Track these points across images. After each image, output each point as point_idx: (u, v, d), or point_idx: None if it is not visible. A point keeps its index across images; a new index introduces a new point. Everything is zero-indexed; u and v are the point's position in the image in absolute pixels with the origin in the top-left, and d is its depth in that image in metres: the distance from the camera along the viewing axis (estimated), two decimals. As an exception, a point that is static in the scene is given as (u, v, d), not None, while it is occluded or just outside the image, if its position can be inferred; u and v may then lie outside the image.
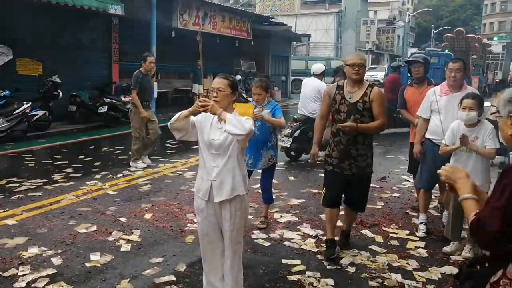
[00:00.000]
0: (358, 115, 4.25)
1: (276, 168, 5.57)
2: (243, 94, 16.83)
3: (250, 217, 5.52)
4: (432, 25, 58.77)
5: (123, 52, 14.82)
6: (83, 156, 8.79)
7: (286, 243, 4.79)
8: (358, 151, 4.32)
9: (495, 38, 49.37)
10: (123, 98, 13.08)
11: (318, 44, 40.28)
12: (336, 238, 4.63)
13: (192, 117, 3.35)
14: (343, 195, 4.53)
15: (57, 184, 6.77)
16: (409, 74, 6.08)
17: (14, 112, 10.08)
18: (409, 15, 58.57)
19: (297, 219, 5.54)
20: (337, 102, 4.35)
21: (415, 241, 4.84)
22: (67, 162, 8.23)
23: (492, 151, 4.29)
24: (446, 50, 27.29)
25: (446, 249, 4.56)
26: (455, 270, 4.10)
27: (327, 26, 41.36)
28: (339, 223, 5.04)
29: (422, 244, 4.79)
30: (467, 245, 4.55)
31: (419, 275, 4.07)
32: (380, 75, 30.45)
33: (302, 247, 4.69)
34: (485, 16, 69.23)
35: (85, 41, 13.47)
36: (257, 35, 21.00)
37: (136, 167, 7.81)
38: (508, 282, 1.89)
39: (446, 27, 50.61)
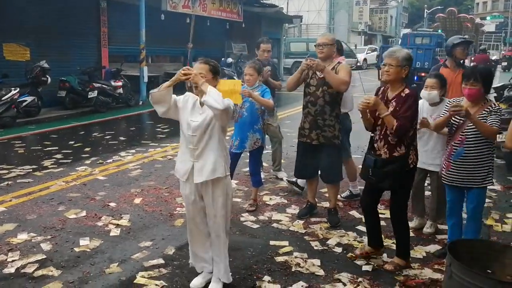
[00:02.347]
0: (325, 87, 4.60)
1: (265, 151, 5.62)
2: (234, 77, 16.76)
3: (239, 200, 5.57)
4: (425, 5, 58.48)
5: (112, 36, 14.70)
6: (73, 142, 8.78)
7: (275, 225, 4.84)
8: (325, 121, 4.65)
9: (488, 18, 49.26)
10: (113, 83, 13.04)
11: (310, 26, 40.03)
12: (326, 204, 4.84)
13: (175, 96, 3.39)
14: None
15: (47, 170, 6.78)
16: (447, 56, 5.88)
17: (2, 99, 10.03)
18: (402, -5, 58.24)
19: (286, 201, 5.60)
20: (309, 77, 4.68)
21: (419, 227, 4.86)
22: (56, 148, 8.22)
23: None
24: (439, 30, 27.27)
25: (411, 224, 4.60)
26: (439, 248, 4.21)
27: (320, 7, 41.08)
28: (326, 204, 5.13)
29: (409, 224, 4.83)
30: (428, 221, 4.68)
31: (404, 254, 4.12)
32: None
33: (290, 228, 4.75)
34: (479, -5, 68.94)
35: (73, 25, 13.31)
36: (248, 17, 20.85)
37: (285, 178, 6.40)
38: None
39: (439, 7, 50.40)
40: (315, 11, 40.84)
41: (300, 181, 5.79)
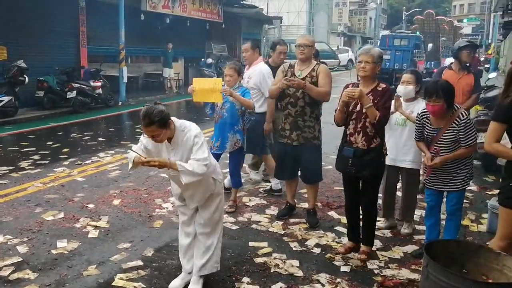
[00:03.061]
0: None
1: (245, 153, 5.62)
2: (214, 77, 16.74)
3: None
4: (404, 7, 59.26)
5: (91, 36, 14.54)
6: (51, 143, 8.65)
7: (254, 226, 4.86)
8: (306, 122, 4.69)
9: (464, 20, 50.10)
10: (92, 83, 12.89)
11: (290, 27, 40.14)
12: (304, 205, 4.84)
13: (142, 140, 3.34)
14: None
15: (24, 172, 6.67)
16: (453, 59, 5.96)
17: (-22, 99, 9.83)
18: (381, -3, 58.84)
19: (265, 202, 5.61)
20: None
21: (379, 221, 4.95)
22: (34, 149, 8.09)
23: None
24: (417, 32, 27.66)
25: (381, 225, 4.77)
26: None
27: (299, 9, 41.21)
28: (305, 205, 5.17)
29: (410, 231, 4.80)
30: (404, 223, 4.77)
31: (382, 255, 4.19)
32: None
33: (269, 229, 4.76)
34: (455, -3, 70.10)
35: (52, 24, 13.11)
36: (228, 18, 20.84)
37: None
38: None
39: (417, 9, 51.07)
40: (295, 12, 40.95)
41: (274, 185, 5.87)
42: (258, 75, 5.59)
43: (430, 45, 24.00)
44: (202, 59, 19.72)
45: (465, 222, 5.03)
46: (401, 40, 22.24)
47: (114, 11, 13.90)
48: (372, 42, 42.57)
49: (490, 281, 2.70)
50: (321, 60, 6.28)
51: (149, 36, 16.92)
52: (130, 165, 3.27)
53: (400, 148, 4.50)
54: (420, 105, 4.36)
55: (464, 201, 5.53)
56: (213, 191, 3.47)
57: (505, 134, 3.06)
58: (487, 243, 3.57)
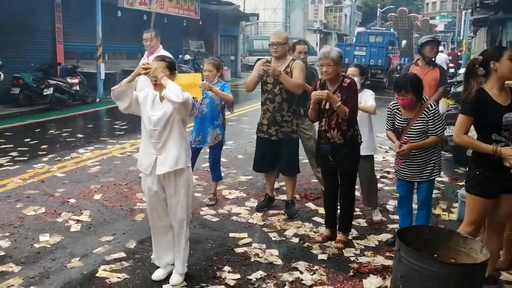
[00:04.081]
0: (282, 84, 4.73)
1: (225, 147, 5.73)
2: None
3: (199, 194, 5.67)
4: (378, 4, 59.92)
5: (67, 33, 14.41)
6: (28, 140, 8.60)
7: (234, 218, 4.98)
8: (283, 117, 4.84)
9: (437, 17, 50.99)
10: (69, 80, 12.80)
11: (267, 23, 40.28)
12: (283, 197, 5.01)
13: (135, 92, 3.48)
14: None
15: (2, 168, 6.65)
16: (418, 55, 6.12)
17: (-48, 95, 9.68)
18: (356, -6, 59.39)
19: (245, 195, 5.74)
20: (266, 75, 4.78)
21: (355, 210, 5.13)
22: (11, 146, 8.04)
23: (371, 108, 4.68)
24: (391, 29, 28.16)
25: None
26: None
27: (276, 6, 41.37)
28: (284, 197, 5.31)
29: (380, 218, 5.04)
30: (372, 210, 5.00)
31: (358, 243, 4.36)
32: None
33: (249, 221, 4.89)
34: (428, -5, 71.25)
35: (27, 21, 12.94)
36: (205, 15, 20.82)
37: None
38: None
39: (391, 6, 51.75)
40: (272, 9, 41.10)
41: None
42: None
43: (404, 42, 24.52)
44: (180, 56, 19.66)
45: (436, 211, 5.26)
46: (376, 37, 22.69)
47: (90, 8, 13.82)
48: (348, 39, 43.02)
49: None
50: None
51: (126, 32, 16.81)
52: (118, 84, 3.43)
53: None
54: (366, 95, 4.72)
55: (436, 191, 5.84)
56: (182, 166, 3.47)
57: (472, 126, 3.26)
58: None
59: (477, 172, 3.25)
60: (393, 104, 4.10)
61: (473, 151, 3.28)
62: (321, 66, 4.04)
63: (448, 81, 11.82)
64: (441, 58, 22.46)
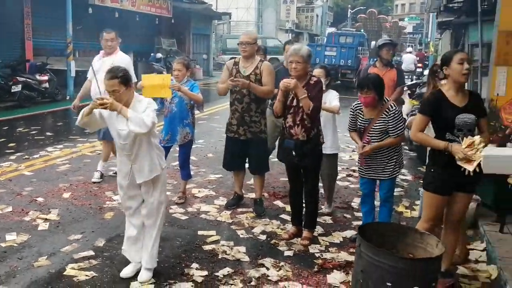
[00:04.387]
0: None
1: (195, 146, 5.78)
2: (164, 72, 16.67)
3: (168, 193, 5.66)
4: (349, 5, 60.62)
5: (37, 29, 14.15)
6: (-5, 137, 8.45)
7: (203, 216, 5.04)
8: (252, 118, 4.94)
9: (406, 19, 51.99)
10: (38, 77, 12.56)
11: (239, 23, 40.30)
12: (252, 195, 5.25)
13: (98, 111, 3.44)
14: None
15: (-33, 167, 6.53)
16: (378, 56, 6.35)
17: None
18: (327, -6, 59.92)
19: (214, 193, 5.81)
20: (233, 75, 4.88)
21: (320, 209, 5.23)
22: (-23, 143, 7.89)
23: (335, 108, 4.86)
24: (361, 30, 28.63)
25: (327, 210, 5.22)
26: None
27: (248, 5, 41.42)
28: (253, 195, 5.40)
29: (330, 211, 5.25)
30: (326, 203, 5.22)
31: (323, 240, 4.49)
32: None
33: (217, 219, 4.96)
34: (397, -3, 72.56)
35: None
36: (178, 13, 20.75)
37: None
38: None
39: (362, 7, 52.43)
40: (244, 9, 41.13)
41: None
42: (124, 62, 5.80)
43: (373, 43, 24.90)
44: (152, 54, 19.58)
45: (399, 208, 5.45)
46: (346, 37, 23.10)
47: (60, 4, 13.57)
48: (319, 39, 43.39)
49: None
50: (267, 57, 6.48)
51: (97, 30, 16.45)
52: (79, 118, 3.41)
53: None
54: (331, 95, 4.87)
55: (400, 189, 6.04)
56: (159, 174, 3.58)
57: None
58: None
59: (432, 170, 3.44)
60: (355, 104, 4.24)
61: (429, 149, 3.46)
62: (291, 63, 4.15)
63: (415, 81, 12.17)
64: (409, 58, 23.09)
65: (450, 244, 3.54)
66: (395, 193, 5.83)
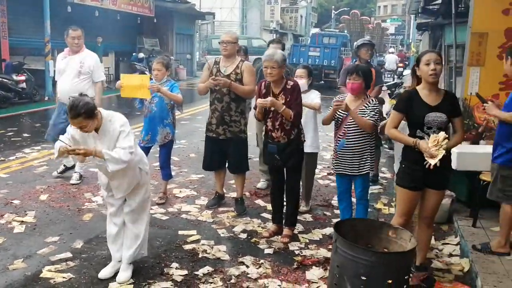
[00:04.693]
0: None
1: (177, 146, 5.73)
2: (146, 72, 16.55)
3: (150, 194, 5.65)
4: (333, 6, 61.00)
5: (13, 27, 13.86)
6: (-30, 139, 8.28)
7: (184, 216, 5.01)
8: (232, 117, 4.93)
9: (388, 20, 52.57)
10: (14, 77, 12.33)
11: (223, 23, 40.27)
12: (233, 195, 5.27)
13: (69, 130, 3.41)
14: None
15: None
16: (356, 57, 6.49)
17: None
18: (311, -5, 60.23)
19: (195, 193, 5.78)
20: (214, 74, 4.87)
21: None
22: (-49, 145, 7.73)
23: (316, 105, 4.90)
24: (345, 31, 28.91)
25: (304, 208, 5.22)
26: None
27: (232, 5, 41.42)
28: (234, 194, 5.39)
29: (308, 209, 5.27)
30: (304, 202, 5.23)
31: (303, 237, 4.51)
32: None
33: (198, 218, 4.94)
34: (380, -1, 73.32)
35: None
36: (160, 13, 20.64)
37: None
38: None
39: (345, 9, 52.82)
40: (228, 9, 41.12)
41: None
42: (92, 61, 5.95)
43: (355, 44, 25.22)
44: (134, 54, 19.44)
45: (378, 205, 5.53)
46: (330, 38, 23.35)
47: (38, 2, 13.33)
48: (303, 39, 43.59)
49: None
50: (248, 57, 6.47)
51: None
52: (56, 154, 3.34)
53: None
54: (313, 95, 4.93)
55: (379, 187, 6.11)
56: (140, 181, 3.59)
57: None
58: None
59: (403, 166, 3.53)
60: (339, 96, 4.35)
61: (403, 146, 3.53)
62: (265, 68, 4.15)
63: (396, 81, 12.33)
64: (392, 58, 23.47)
65: (424, 239, 3.63)
66: (374, 191, 5.97)
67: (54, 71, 13.86)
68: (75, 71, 5.82)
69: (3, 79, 12.02)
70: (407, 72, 12.35)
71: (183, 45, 24.98)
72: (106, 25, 17.43)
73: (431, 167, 3.24)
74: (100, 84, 6.09)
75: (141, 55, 19.07)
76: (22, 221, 4.71)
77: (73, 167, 6.15)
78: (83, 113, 3.16)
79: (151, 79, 5.12)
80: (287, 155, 4.24)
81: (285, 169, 4.41)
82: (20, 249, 4.11)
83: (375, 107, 4.13)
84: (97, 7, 16.29)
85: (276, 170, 4.46)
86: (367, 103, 4.15)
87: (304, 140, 4.42)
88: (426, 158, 3.27)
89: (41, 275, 3.66)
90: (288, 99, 4.13)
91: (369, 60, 6.28)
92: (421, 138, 3.37)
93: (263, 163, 5.21)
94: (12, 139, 8.52)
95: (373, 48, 6.38)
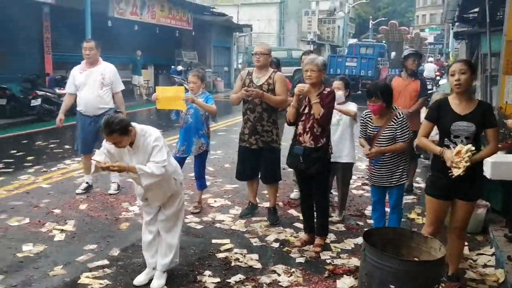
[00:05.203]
0: None
1: (213, 156, 5.81)
2: (185, 85, 16.84)
3: (184, 203, 5.74)
4: (370, 16, 60.49)
5: (56, 43, 14.40)
6: (15, 151, 8.59)
7: (218, 225, 5.07)
8: (264, 127, 4.97)
9: (426, 30, 51.69)
10: (57, 91, 12.71)
11: (261, 35, 40.61)
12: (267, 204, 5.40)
13: (105, 145, 3.54)
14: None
15: (-13, 180, 6.68)
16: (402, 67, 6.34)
17: None
18: (349, 6, 59.96)
19: (230, 203, 5.84)
20: (246, 85, 4.94)
21: (331, 216, 5.18)
22: (-2, 157, 8.06)
23: (352, 111, 4.95)
24: (383, 41, 28.69)
25: (337, 217, 5.23)
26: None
27: (270, 17, 41.74)
28: (267, 204, 5.40)
29: (340, 219, 5.24)
30: (337, 211, 5.24)
31: (335, 246, 4.49)
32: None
33: (232, 227, 4.99)
34: (418, 8, 72.21)
35: (14, 31, 12.93)
36: (198, 26, 21.05)
37: None
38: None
39: (383, 18, 52.30)
40: (266, 20, 41.46)
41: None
42: (111, 71, 6.14)
43: (393, 54, 25.03)
44: (172, 66, 19.82)
45: (412, 215, 5.46)
46: (367, 48, 23.22)
47: (80, 17, 13.78)
48: (341, 50, 43.39)
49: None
50: (281, 69, 6.48)
51: (117, 43, 16.90)
52: (93, 169, 3.51)
53: (335, 145, 4.85)
54: (350, 107, 4.95)
55: (413, 197, 6.04)
56: (174, 191, 3.68)
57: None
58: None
59: (431, 174, 3.55)
60: (365, 113, 4.31)
61: (432, 155, 3.51)
62: (306, 71, 4.22)
63: (433, 89, 12.09)
64: (430, 67, 23.17)
65: (455, 250, 3.59)
66: (408, 200, 5.89)
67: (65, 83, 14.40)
68: (97, 83, 5.99)
69: (47, 93, 12.41)
70: (443, 81, 12.10)
71: (221, 58, 25.32)
72: (146, 38, 17.87)
73: (453, 177, 3.22)
74: (120, 94, 6.26)
75: (180, 68, 19.40)
76: (62, 230, 4.87)
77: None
78: (118, 129, 3.29)
79: (186, 90, 5.23)
80: (311, 160, 4.23)
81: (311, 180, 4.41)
82: (60, 256, 4.26)
83: (403, 121, 4.11)
84: (136, 21, 16.75)
85: (302, 179, 4.48)
86: (394, 117, 4.14)
87: (332, 153, 4.42)
88: (451, 168, 3.24)
89: (79, 281, 3.78)
90: (321, 102, 4.16)
91: (415, 70, 6.16)
92: (448, 147, 3.35)
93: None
94: (54, 150, 8.84)
95: (420, 59, 6.28)
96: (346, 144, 4.97)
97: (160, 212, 3.77)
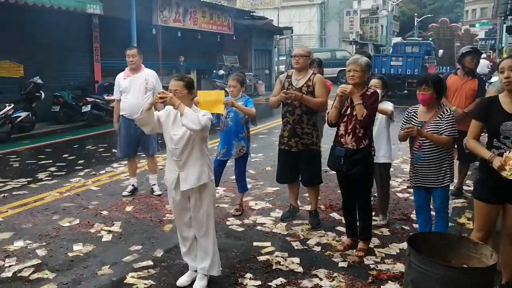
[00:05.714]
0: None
1: (254, 159, 5.84)
2: (226, 89, 17.01)
3: (226, 205, 5.82)
4: (416, 14, 59.17)
5: (104, 51, 14.92)
6: (67, 155, 8.98)
7: (259, 227, 5.09)
8: (303, 129, 4.94)
9: (477, 25, 49.86)
10: (106, 97, 13.23)
11: (302, 36, 40.49)
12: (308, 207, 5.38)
13: (156, 112, 3.66)
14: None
15: (41, 183, 7.00)
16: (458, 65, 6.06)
17: (-3, 114, 10.23)
18: (392, 3, 58.88)
19: (271, 205, 5.85)
20: (286, 88, 4.92)
21: (375, 220, 5.07)
22: (51, 161, 8.43)
23: (389, 109, 4.87)
24: (430, 39, 27.99)
25: (380, 221, 5.13)
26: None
27: (311, 18, 41.56)
28: (309, 207, 5.38)
29: (385, 222, 5.14)
30: (380, 215, 5.12)
31: (379, 251, 4.41)
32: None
33: (273, 230, 4.99)
34: (467, 3, 69.84)
35: (66, 41, 13.52)
36: (239, 30, 21.22)
37: None
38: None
39: (429, 15, 51.04)
40: (306, 22, 41.31)
41: None
42: (153, 77, 6.29)
43: (441, 51, 24.33)
44: (214, 71, 20.06)
45: (462, 220, 5.26)
46: (412, 47, 22.75)
47: (126, 27, 14.34)
48: (384, 49, 42.67)
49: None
50: (322, 70, 6.45)
51: (161, 49, 17.31)
52: (139, 113, 3.61)
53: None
54: (386, 105, 4.84)
55: (463, 200, 5.79)
56: (206, 181, 3.64)
57: None
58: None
59: (479, 177, 3.36)
60: (412, 107, 4.20)
61: (480, 158, 3.35)
62: (349, 71, 4.18)
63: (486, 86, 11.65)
64: (483, 63, 22.40)
65: (509, 256, 3.39)
66: (458, 204, 5.71)
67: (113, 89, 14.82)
68: (142, 88, 6.19)
69: (96, 99, 12.96)
70: (495, 79, 11.63)
71: (262, 61, 25.41)
72: (188, 44, 18.21)
73: (501, 178, 3.05)
74: None
75: (221, 72, 19.63)
76: (110, 231, 5.04)
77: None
78: (186, 81, 3.58)
79: (226, 94, 5.29)
80: (353, 162, 4.15)
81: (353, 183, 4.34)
82: (107, 256, 4.41)
83: (450, 118, 3.93)
84: (179, 28, 17.11)
85: (343, 181, 4.42)
86: (441, 113, 3.97)
87: (375, 155, 4.33)
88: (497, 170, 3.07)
89: (125, 281, 3.90)
90: (364, 103, 4.09)
91: (473, 69, 5.85)
92: (497, 147, 3.20)
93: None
94: (103, 154, 9.16)
95: (479, 56, 5.94)
96: (383, 144, 4.89)
97: (192, 219, 3.74)
